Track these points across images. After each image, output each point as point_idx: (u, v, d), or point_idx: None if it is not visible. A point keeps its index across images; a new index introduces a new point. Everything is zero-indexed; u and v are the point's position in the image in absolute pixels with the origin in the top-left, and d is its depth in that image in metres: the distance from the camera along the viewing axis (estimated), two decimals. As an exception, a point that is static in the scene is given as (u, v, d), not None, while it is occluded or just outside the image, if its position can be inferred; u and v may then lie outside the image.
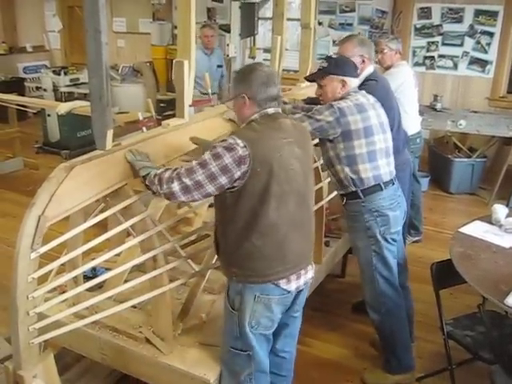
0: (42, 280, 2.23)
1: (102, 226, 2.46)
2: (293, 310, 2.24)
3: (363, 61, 3.09)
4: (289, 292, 2.12)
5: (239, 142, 1.94)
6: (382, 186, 2.66)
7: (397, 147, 3.12)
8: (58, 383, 2.29)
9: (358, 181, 2.64)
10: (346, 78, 2.64)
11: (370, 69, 3.17)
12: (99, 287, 2.63)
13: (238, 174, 1.93)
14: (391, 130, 2.81)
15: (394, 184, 2.74)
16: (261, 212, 1.98)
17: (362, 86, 3.04)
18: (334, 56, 2.77)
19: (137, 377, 2.42)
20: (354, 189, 2.67)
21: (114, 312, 2.33)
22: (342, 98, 2.62)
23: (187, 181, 1.96)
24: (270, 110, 2.10)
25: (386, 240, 2.71)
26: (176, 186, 1.97)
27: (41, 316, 2.19)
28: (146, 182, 2.12)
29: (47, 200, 2.00)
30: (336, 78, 2.64)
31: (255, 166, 1.94)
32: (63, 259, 2.20)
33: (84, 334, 2.45)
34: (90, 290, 2.55)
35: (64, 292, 2.38)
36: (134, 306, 2.60)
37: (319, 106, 2.65)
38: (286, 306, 2.18)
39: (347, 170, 2.63)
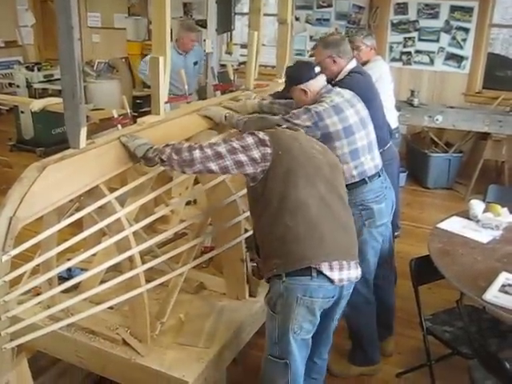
0: (16, 282, 2.17)
1: (78, 226, 2.40)
2: (334, 312, 2.20)
3: (334, 61, 2.99)
4: (332, 282, 2.01)
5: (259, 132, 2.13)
6: (367, 180, 2.63)
7: (385, 140, 3.15)
8: (32, 388, 2.25)
9: None
10: (302, 86, 2.60)
11: (350, 65, 3.07)
12: (75, 288, 2.59)
13: (257, 154, 2.05)
14: (377, 122, 2.80)
15: (380, 176, 2.70)
16: (288, 191, 2.03)
17: (346, 78, 2.99)
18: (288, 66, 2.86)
19: (114, 379, 2.38)
20: None
21: (90, 314, 2.29)
22: (316, 102, 2.56)
23: (208, 151, 2.07)
24: None
25: (370, 234, 2.68)
26: (197, 153, 2.06)
27: (14, 319, 2.13)
28: (149, 157, 2.19)
29: (18, 201, 1.94)
30: (296, 88, 2.63)
31: (277, 149, 2.05)
32: (37, 261, 2.15)
33: (59, 336, 2.40)
34: (65, 291, 2.50)
35: (38, 294, 2.32)
36: (110, 308, 2.56)
37: (296, 109, 2.56)
38: (327, 308, 2.13)
39: None
